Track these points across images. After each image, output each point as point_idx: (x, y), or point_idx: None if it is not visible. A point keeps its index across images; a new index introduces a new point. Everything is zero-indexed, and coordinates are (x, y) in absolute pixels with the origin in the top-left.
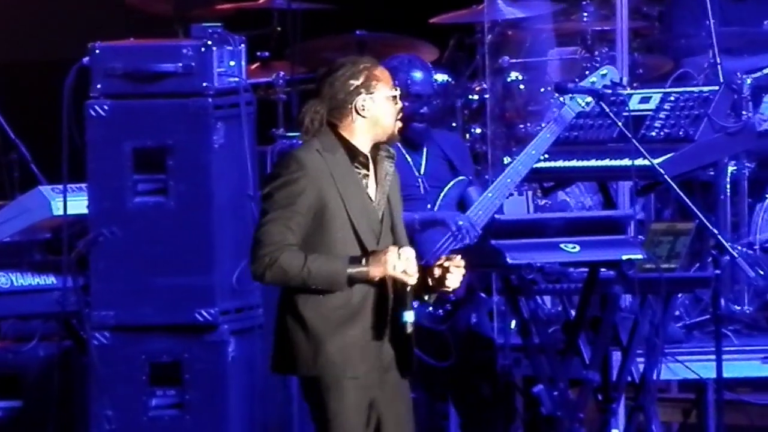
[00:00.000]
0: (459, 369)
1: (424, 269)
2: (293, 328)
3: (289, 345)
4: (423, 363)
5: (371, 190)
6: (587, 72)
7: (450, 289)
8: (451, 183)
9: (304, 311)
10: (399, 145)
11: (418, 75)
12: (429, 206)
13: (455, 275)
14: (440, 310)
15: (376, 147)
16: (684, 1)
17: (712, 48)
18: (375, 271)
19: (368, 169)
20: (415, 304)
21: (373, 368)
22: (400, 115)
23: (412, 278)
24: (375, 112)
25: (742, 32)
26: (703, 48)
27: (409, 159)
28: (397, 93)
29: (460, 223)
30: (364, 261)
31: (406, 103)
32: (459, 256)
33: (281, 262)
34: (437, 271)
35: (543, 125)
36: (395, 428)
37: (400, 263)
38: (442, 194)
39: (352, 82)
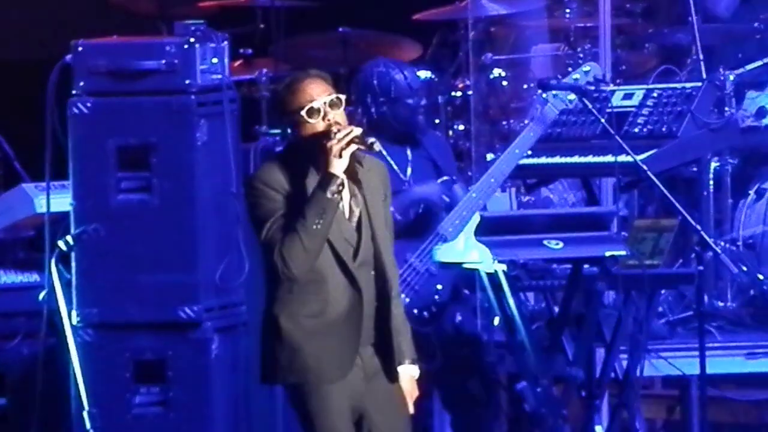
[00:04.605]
0: (447, 367)
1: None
2: (271, 339)
3: (269, 356)
4: None
5: (345, 202)
6: (570, 69)
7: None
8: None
9: (280, 322)
10: (383, 151)
11: (408, 72)
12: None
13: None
14: (425, 313)
15: (353, 159)
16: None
17: (695, 44)
18: (330, 165)
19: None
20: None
21: (355, 376)
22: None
23: (353, 132)
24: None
25: (725, 29)
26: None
27: (395, 164)
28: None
29: (446, 199)
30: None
31: (410, 101)
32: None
33: (285, 247)
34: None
35: (526, 122)
36: None
37: (336, 138)
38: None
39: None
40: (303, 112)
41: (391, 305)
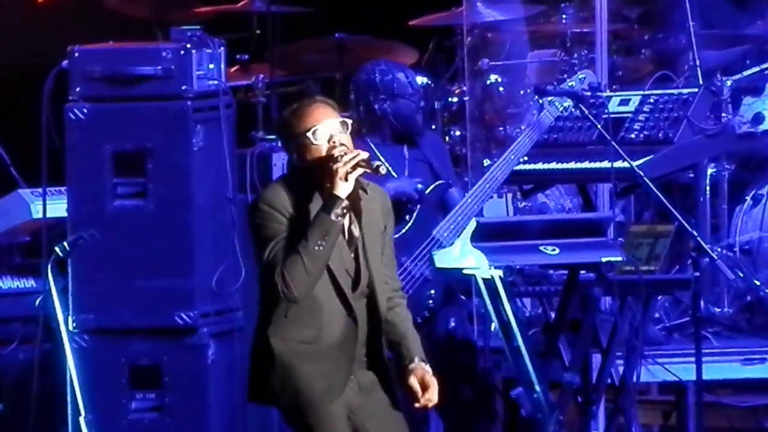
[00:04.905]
0: (440, 372)
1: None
2: (263, 361)
3: (261, 376)
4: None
5: (345, 228)
6: (566, 75)
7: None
8: (431, 187)
9: (273, 345)
10: (379, 154)
11: (408, 72)
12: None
13: (434, 393)
14: (418, 318)
15: (357, 185)
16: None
17: (692, 49)
18: (335, 188)
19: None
20: None
21: (351, 390)
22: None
23: (359, 155)
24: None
25: (722, 34)
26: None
27: (391, 168)
28: (318, 127)
29: (419, 186)
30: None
31: (411, 99)
32: (430, 376)
33: (286, 268)
34: (414, 381)
35: (522, 128)
36: None
37: (342, 161)
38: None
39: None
40: (309, 134)
41: (383, 331)
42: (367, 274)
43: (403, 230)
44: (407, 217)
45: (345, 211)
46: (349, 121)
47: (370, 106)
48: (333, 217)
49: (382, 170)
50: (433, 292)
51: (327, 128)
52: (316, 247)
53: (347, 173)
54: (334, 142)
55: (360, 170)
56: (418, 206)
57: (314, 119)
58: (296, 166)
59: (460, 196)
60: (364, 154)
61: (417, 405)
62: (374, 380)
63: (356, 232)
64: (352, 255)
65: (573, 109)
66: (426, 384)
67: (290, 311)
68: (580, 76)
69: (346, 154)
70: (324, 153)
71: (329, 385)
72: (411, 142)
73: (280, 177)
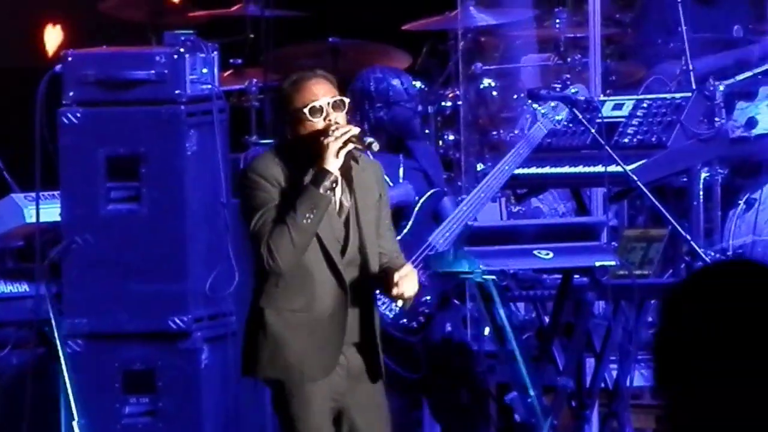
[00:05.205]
0: (436, 377)
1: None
2: (255, 332)
3: (252, 348)
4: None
5: (336, 198)
6: (559, 80)
7: (410, 295)
8: (426, 196)
9: (266, 315)
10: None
11: (404, 78)
12: (403, 221)
13: (409, 283)
14: (414, 323)
15: (348, 156)
16: (654, 7)
17: (684, 54)
18: (325, 162)
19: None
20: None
21: (338, 375)
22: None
23: (351, 131)
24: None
25: (714, 39)
26: (672, 55)
27: (387, 176)
28: (316, 104)
29: (416, 198)
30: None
31: (407, 105)
32: (408, 265)
33: (272, 239)
34: (396, 281)
35: (516, 132)
36: None
37: (334, 135)
38: (417, 207)
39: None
40: (305, 110)
41: (375, 304)
42: (357, 241)
43: (401, 234)
44: (404, 223)
45: (334, 184)
46: (347, 100)
47: (367, 114)
48: (322, 190)
49: (375, 146)
50: (428, 297)
51: (324, 106)
52: (304, 221)
53: (338, 149)
54: (329, 121)
55: (351, 146)
56: (414, 212)
57: (312, 95)
58: (289, 139)
59: (452, 204)
60: (356, 130)
61: (394, 293)
62: (363, 367)
63: (346, 202)
64: (342, 223)
65: (566, 123)
66: (403, 274)
67: (281, 280)
68: (572, 90)
69: (337, 129)
70: (318, 129)
71: (320, 361)
72: (407, 151)
73: (271, 147)
